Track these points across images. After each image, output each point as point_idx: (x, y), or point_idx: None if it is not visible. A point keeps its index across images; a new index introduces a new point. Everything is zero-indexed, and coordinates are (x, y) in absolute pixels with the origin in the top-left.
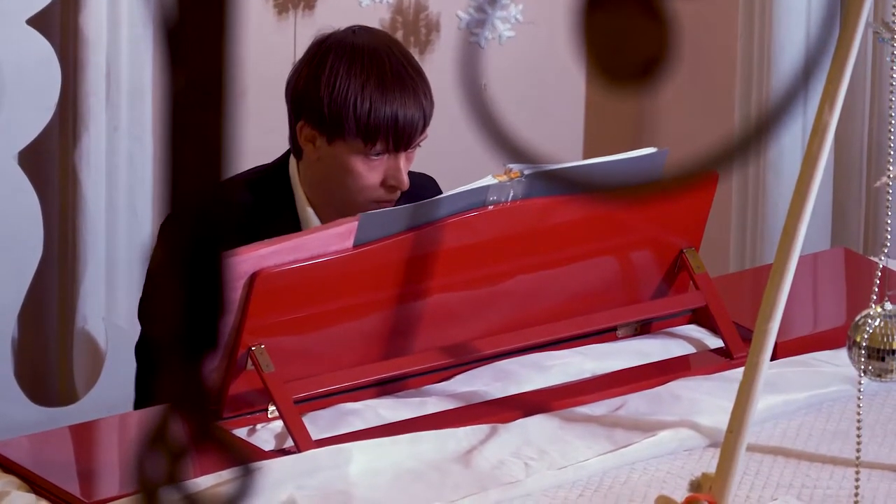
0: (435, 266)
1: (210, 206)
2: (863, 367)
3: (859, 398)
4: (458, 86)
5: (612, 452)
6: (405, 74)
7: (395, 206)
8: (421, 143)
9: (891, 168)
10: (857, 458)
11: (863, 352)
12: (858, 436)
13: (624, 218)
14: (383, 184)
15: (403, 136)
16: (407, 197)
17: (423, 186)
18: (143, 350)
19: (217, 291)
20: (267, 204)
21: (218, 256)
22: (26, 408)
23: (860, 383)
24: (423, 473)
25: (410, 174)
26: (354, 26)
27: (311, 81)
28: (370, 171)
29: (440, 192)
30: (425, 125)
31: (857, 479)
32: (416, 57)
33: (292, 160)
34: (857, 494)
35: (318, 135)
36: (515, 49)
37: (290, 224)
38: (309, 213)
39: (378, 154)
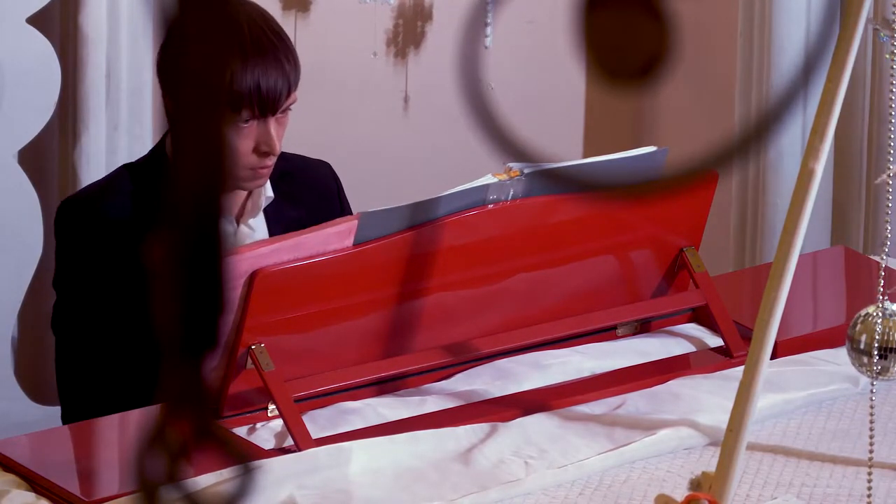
0: (434, 265)
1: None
2: (862, 365)
3: (872, 398)
4: (459, 84)
5: (612, 451)
6: (265, 41)
7: (271, 178)
8: (290, 108)
9: (891, 166)
10: (870, 458)
11: (862, 350)
12: (871, 436)
13: (624, 217)
14: (255, 150)
15: (269, 102)
16: (295, 179)
17: (316, 171)
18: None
19: (216, 290)
20: (148, 189)
21: (120, 253)
22: (26, 406)
23: (872, 384)
24: (422, 472)
25: (307, 160)
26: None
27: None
28: (241, 140)
29: (336, 180)
30: (290, 90)
31: (869, 479)
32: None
33: (168, 140)
34: (869, 494)
35: None
36: (515, 49)
37: None
38: None
39: (246, 121)
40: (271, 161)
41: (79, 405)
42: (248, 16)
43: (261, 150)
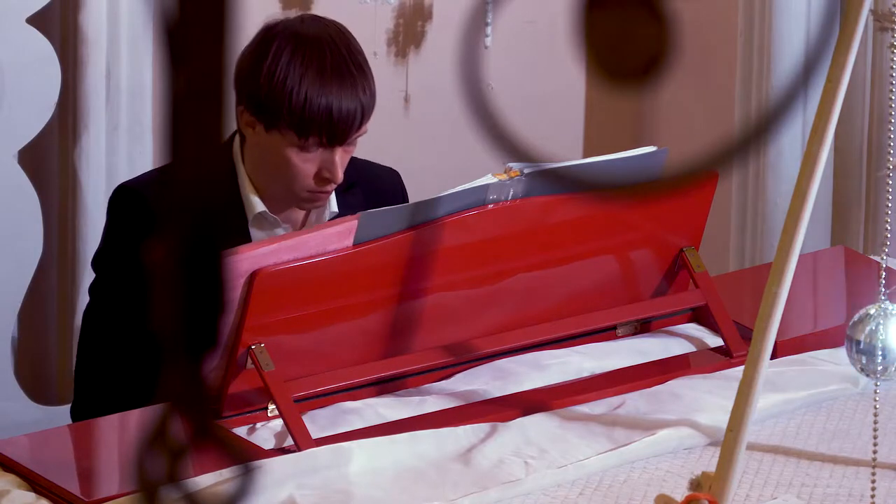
0: (434, 265)
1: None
2: (862, 365)
3: (876, 399)
4: (459, 84)
5: (612, 451)
6: (345, 69)
7: (332, 194)
8: (359, 138)
9: (892, 160)
10: (874, 458)
11: (862, 350)
12: (875, 436)
13: (624, 217)
14: (317, 175)
15: (338, 132)
16: (363, 190)
17: (383, 182)
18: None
19: (216, 290)
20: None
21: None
22: (26, 406)
23: (876, 385)
24: (422, 472)
25: (375, 168)
26: (305, 14)
27: (253, 67)
28: (304, 164)
29: (402, 189)
30: (363, 121)
31: (873, 479)
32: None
33: (237, 141)
34: (873, 495)
35: (257, 121)
36: (515, 49)
37: (232, 206)
38: (250, 195)
39: (313, 147)
40: (331, 188)
41: (95, 395)
42: (330, 39)
43: (322, 177)
